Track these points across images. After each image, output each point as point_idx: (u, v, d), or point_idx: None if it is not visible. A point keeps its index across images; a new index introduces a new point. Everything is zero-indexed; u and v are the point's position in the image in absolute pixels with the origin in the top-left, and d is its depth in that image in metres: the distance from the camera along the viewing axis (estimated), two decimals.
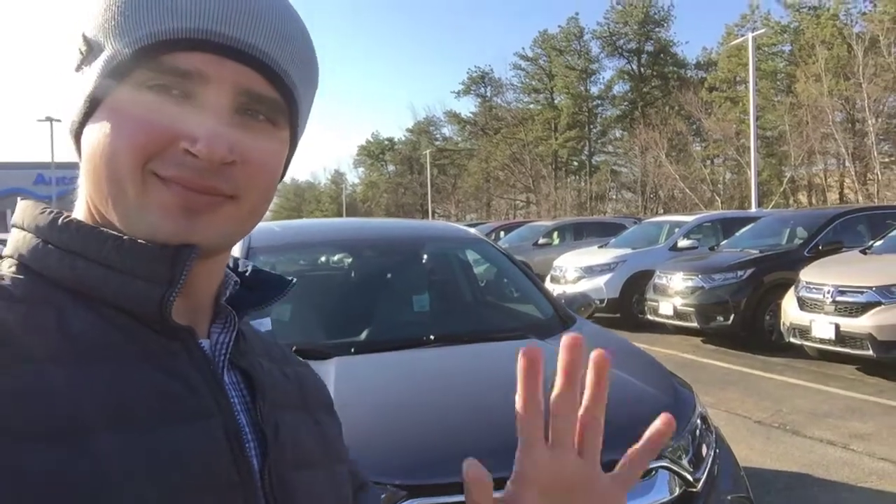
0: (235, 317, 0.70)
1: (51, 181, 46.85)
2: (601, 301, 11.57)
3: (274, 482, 0.65)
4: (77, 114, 0.63)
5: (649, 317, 10.41)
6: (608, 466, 2.13)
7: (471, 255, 4.52)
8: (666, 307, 9.90)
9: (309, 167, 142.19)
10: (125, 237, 0.61)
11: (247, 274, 0.76)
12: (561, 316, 3.63)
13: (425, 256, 4.18)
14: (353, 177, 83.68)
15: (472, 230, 4.85)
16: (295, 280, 0.78)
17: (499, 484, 1.92)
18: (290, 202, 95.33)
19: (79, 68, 0.63)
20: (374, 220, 9.90)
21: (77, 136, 0.64)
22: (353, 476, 0.83)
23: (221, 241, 0.65)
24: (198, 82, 0.60)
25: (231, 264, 0.75)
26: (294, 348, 2.93)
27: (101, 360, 0.56)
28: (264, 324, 3.23)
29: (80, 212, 0.66)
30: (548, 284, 12.71)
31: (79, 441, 0.52)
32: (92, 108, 0.62)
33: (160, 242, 0.61)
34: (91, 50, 0.62)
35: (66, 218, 0.63)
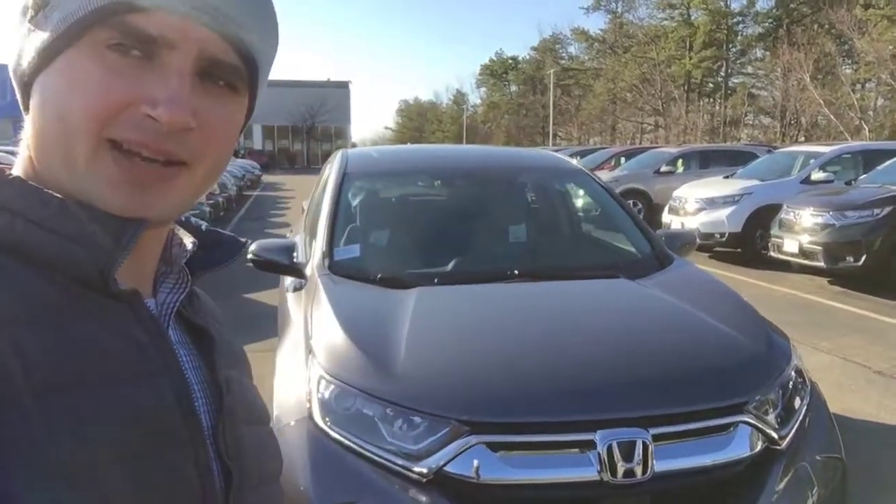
0: (188, 277, 0.69)
1: None
2: (721, 235, 11.06)
3: (227, 437, 0.66)
4: (29, 64, 0.61)
5: (773, 254, 9.83)
6: (682, 417, 2.04)
7: (570, 188, 4.38)
8: (791, 244, 9.31)
9: (432, 86, 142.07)
10: (69, 201, 0.60)
11: (202, 232, 0.75)
12: (658, 254, 3.48)
13: (522, 186, 4.10)
14: (475, 97, 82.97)
15: (573, 160, 4.69)
16: (249, 241, 0.77)
17: (565, 427, 1.88)
18: (412, 122, 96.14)
19: (33, 17, 0.61)
20: (474, 147, 9.78)
21: (25, 87, 0.63)
22: None
23: (172, 212, 0.65)
24: (160, 44, 0.58)
25: (183, 220, 0.75)
26: (379, 276, 2.99)
27: (43, 321, 0.56)
28: (353, 250, 3.29)
29: (21, 168, 0.64)
30: (666, 215, 12.26)
31: (24, 405, 0.52)
32: (46, 61, 0.60)
33: (109, 212, 0.60)
34: (50, 1, 0.60)
35: (7, 174, 0.62)
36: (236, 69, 0.63)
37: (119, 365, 0.58)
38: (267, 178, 38.55)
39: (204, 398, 0.66)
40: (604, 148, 27.37)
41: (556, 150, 20.86)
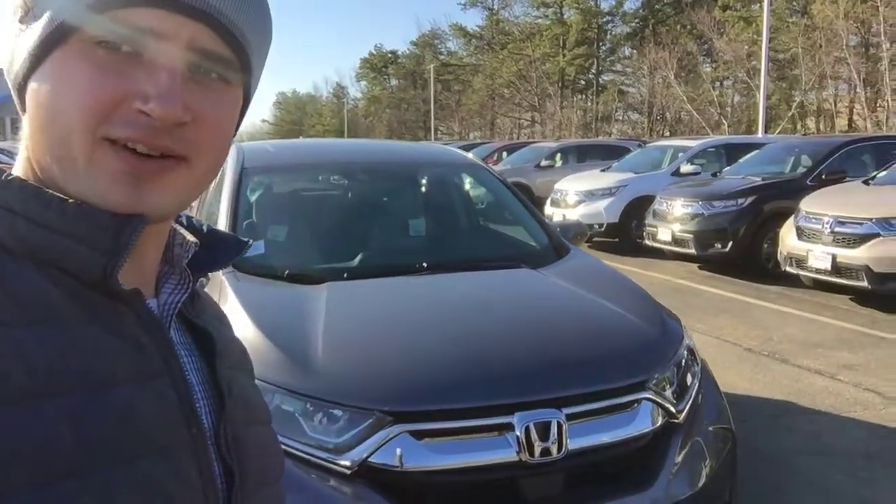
0: (190, 277, 0.70)
1: None
2: (600, 225, 11.59)
3: (229, 439, 0.66)
4: (21, 66, 0.60)
5: (648, 242, 10.42)
6: (592, 397, 2.16)
7: (466, 180, 4.48)
8: (664, 233, 9.90)
9: (311, 77, 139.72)
10: (70, 201, 0.59)
11: (203, 233, 0.75)
12: (555, 244, 3.63)
13: (421, 180, 4.15)
14: (356, 91, 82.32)
15: (469, 154, 4.80)
16: (251, 241, 0.77)
17: (485, 412, 1.95)
18: (291, 115, 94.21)
19: (23, 18, 0.60)
20: (369, 141, 9.78)
21: (20, 89, 0.61)
22: None
23: (172, 208, 0.64)
24: (151, 39, 0.58)
25: (185, 222, 0.74)
26: (287, 273, 2.96)
27: (45, 321, 0.55)
28: (257, 247, 3.23)
29: (20, 168, 0.63)
30: (548, 208, 12.69)
31: (27, 405, 0.51)
32: (37, 62, 0.59)
33: (110, 210, 0.59)
34: (38, 1, 0.59)
35: (7, 175, 0.61)
36: (228, 61, 0.63)
37: (120, 366, 0.58)
38: None
39: (205, 399, 0.66)
40: (485, 143, 27.95)
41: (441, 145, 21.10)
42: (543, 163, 17.39)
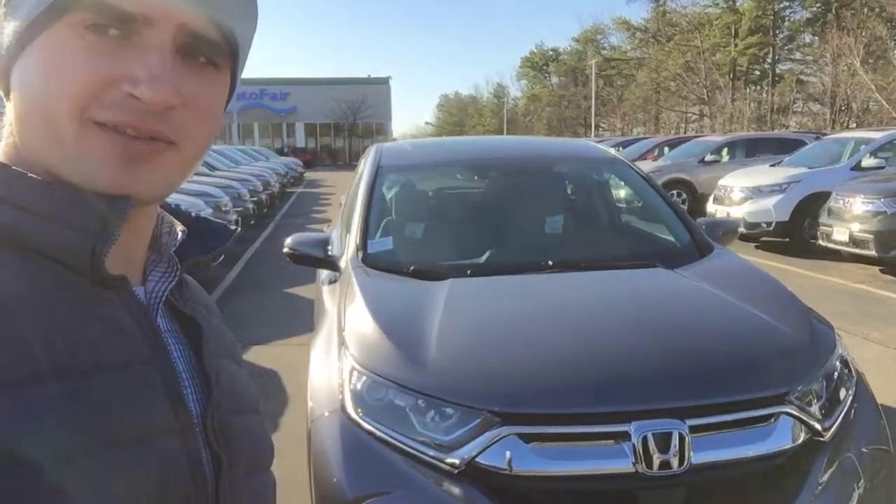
0: (178, 265, 0.69)
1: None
2: (768, 224, 10.80)
3: (216, 426, 0.65)
4: (7, 49, 0.61)
5: (821, 242, 9.57)
6: (720, 408, 1.99)
7: (607, 177, 4.32)
8: (841, 233, 9.04)
9: (472, 80, 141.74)
10: (55, 185, 0.59)
11: (191, 220, 0.74)
12: (697, 243, 3.40)
13: (557, 176, 4.05)
14: (516, 90, 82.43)
15: (611, 149, 4.61)
16: (238, 228, 0.76)
17: (598, 418, 1.85)
18: (453, 117, 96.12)
19: (8, 1, 0.61)
20: (509, 137, 9.75)
21: (6, 70, 0.62)
22: None
23: (161, 190, 0.63)
24: (139, 22, 0.57)
25: (173, 208, 0.74)
26: (412, 268, 2.99)
27: (31, 308, 0.56)
28: (385, 243, 3.29)
29: (3, 154, 0.63)
30: (711, 205, 12.01)
31: (13, 392, 0.51)
32: (23, 45, 0.59)
33: (97, 191, 0.59)
34: None
35: None
36: (216, 45, 0.62)
37: (106, 352, 0.58)
38: (310, 175, 38.95)
39: (192, 387, 0.66)
40: (646, 138, 26.95)
41: (599, 141, 20.62)
42: (708, 158, 16.43)
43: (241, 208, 12.39)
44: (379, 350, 2.39)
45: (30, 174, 0.59)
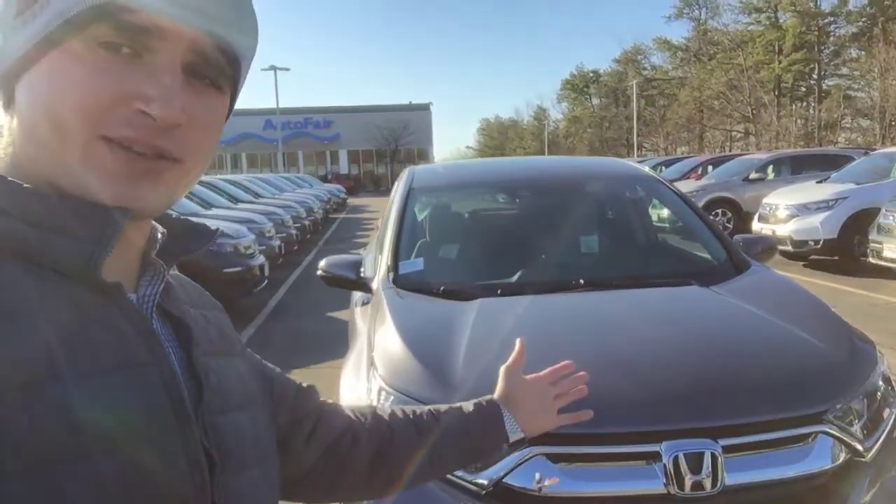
0: (164, 269, 0.71)
1: (277, 126, 51.30)
2: (816, 242, 10.54)
3: (207, 425, 0.66)
4: (15, 61, 0.62)
5: (872, 260, 9.29)
6: (756, 428, 1.92)
7: (641, 194, 4.27)
8: (892, 250, 8.78)
9: (512, 103, 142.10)
10: (54, 196, 0.61)
11: (172, 221, 0.76)
12: (734, 260, 3.34)
13: (590, 195, 4.02)
14: (557, 112, 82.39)
15: (645, 167, 4.57)
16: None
17: (628, 438, 1.81)
18: (493, 140, 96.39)
19: (21, 14, 0.62)
20: (541, 157, 9.72)
21: (9, 82, 0.63)
22: (293, 388, 0.94)
23: (161, 206, 0.66)
24: (152, 42, 0.60)
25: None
26: (442, 289, 2.99)
27: (30, 314, 0.57)
28: (416, 264, 3.30)
29: (2, 166, 0.65)
30: (756, 223, 11.78)
31: (13, 396, 0.53)
32: (34, 58, 0.61)
33: (98, 204, 0.61)
34: None
35: None
36: (222, 68, 0.65)
37: (107, 355, 0.59)
38: (352, 201, 39.39)
39: (187, 387, 0.67)
40: (690, 157, 26.62)
41: (641, 161, 20.41)
42: (753, 175, 16.15)
43: (284, 234, 12.56)
44: (407, 370, 2.39)
45: (26, 186, 0.61)
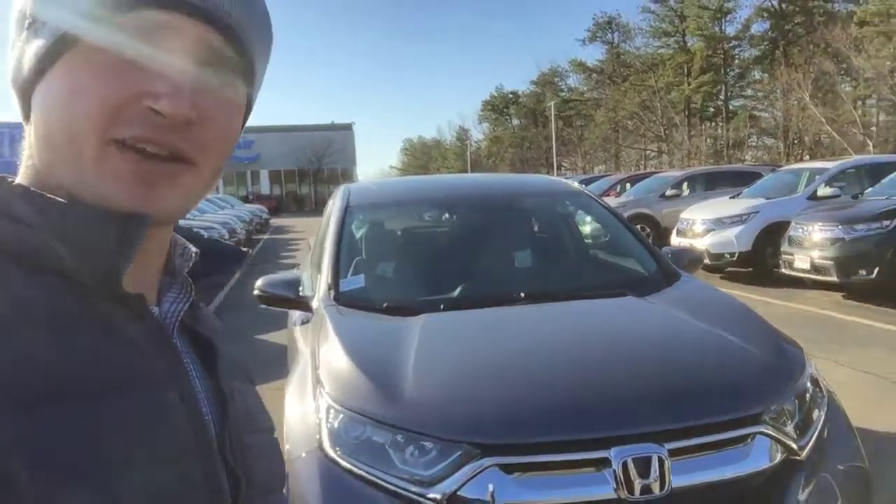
0: (192, 287, 0.70)
1: None
2: (732, 255, 11.02)
3: (233, 445, 0.65)
4: (29, 71, 0.61)
5: (784, 271, 9.77)
6: (698, 431, 2.01)
7: (571, 210, 4.38)
8: (803, 260, 9.25)
9: (435, 123, 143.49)
10: (73, 204, 0.59)
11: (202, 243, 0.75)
12: (664, 271, 3.46)
13: (522, 211, 4.09)
14: (478, 133, 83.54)
15: (574, 183, 4.69)
16: (249, 250, 0.76)
17: (578, 446, 1.85)
18: (417, 160, 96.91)
19: (31, 24, 0.61)
20: (471, 175, 9.83)
21: (26, 94, 0.62)
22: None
23: (178, 210, 0.64)
24: (162, 40, 0.59)
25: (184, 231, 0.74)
26: (385, 305, 2.98)
27: (50, 327, 0.55)
28: (357, 281, 3.28)
29: (23, 176, 0.64)
30: (674, 238, 12.22)
31: (30, 412, 0.50)
32: (45, 67, 0.60)
33: (115, 211, 0.59)
34: (46, 8, 0.60)
35: (9, 181, 0.62)
36: (234, 63, 0.63)
37: (126, 372, 0.57)
38: (276, 221, 38.78)
39: (208, 406, 0.66)
40: (607, 175, 27.41)
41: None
42: (669, 192, 16.77)
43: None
44: (355, 386, 2.36)
45: (47, 195, 0.60)
